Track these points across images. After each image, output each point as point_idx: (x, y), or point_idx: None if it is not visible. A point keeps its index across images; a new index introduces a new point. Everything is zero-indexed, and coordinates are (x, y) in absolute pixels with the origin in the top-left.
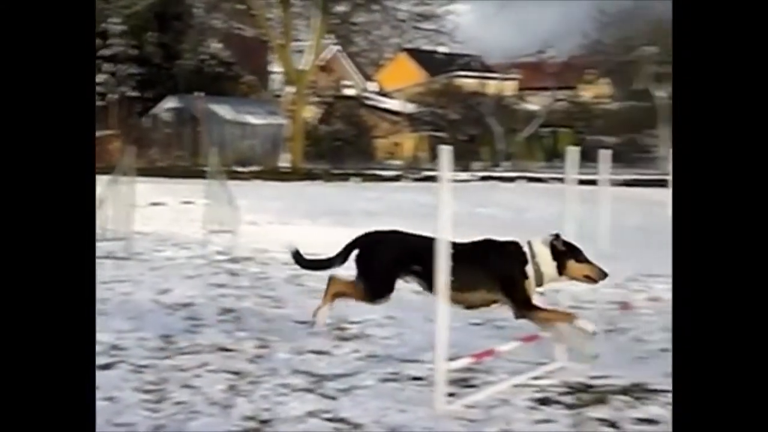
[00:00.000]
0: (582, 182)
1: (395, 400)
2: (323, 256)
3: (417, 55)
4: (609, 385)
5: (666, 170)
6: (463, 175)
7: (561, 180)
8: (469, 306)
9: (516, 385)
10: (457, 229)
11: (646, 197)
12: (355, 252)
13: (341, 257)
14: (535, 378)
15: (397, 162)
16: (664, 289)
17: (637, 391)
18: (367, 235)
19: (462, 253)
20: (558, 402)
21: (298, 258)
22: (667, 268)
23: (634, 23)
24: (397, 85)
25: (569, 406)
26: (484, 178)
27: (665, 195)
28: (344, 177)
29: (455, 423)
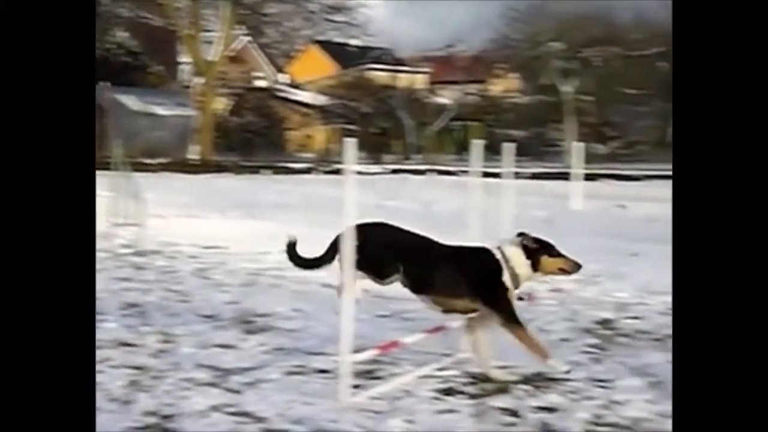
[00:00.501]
0: (489, 175)
1: (300, 392)
2: (312, 256)
3: (328, 47)
4: (512, 374)
5: (568, 163)
6: (374, 168)
7: (466, 172)
8: (448, 311)
9: (421, 377)
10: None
11: (551, 190)
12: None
13: (330, 255)
14: (440, 369)
15: (309, 154)
16: (566, 279)
17: (538, 380)
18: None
19: (442, 254)
20: (461, 392)
21: (292, 252)
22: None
23: (541, 19)
24: (308, 77)
25: (472, 396)
26: (395, 171)
27: (568, 187)
28: (254, 169)
29: (359, 415)
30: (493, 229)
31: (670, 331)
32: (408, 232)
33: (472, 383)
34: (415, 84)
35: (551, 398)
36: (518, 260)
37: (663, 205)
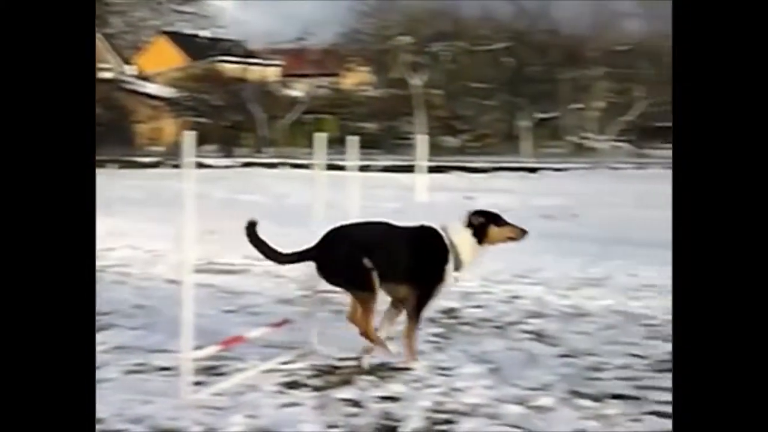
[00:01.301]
0: (340, 168)
1: (140, 391)
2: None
3: (177, 38)
4: (356, 366)
5: (413, 156)
6: (226, 162)
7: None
8: (395, 299)
9: (265, 371)
10: (218, 215)
11: (402, 182)
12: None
13: (288, 259)
14: (285, 362)
15: (158, 148)
16: None
17: (382, 371)
18: (323, 244)
19: (405, 238)
20: (305, 385)
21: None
22: None
23: (390, 14)
24: (157, 68)
25: (316, 389)
26: (246, 165)
27: (415, 179)
28: (100, 164)
29: (200, 412)
30: (340, 221)
31: (510, 318)
32: (366, 225)
33: (317, 375)
34: (267, 77)
35: (394, 388)
36: (464, 244)
37: (508, 195)
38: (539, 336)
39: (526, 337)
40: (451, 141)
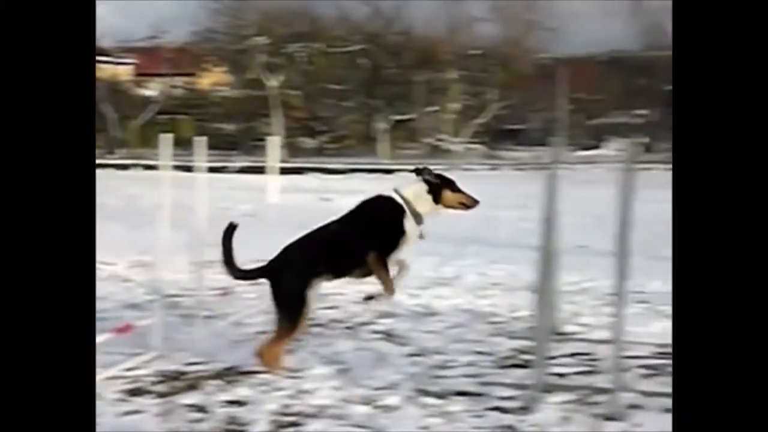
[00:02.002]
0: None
1: None
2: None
3: None
4: (203, 370)
5: (276, 157)
6: None
7: (178, 168)
8: (366, 275)
9: (108, 378)
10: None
11: (257, 184)
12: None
13: (251, 276)
14: (129, 369)
15: None
16: None
17: (230, 375)
18: (269, 269)
19: (342, 229)
20: (150, 391)
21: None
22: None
23: (245, 13)
24: None
25: (161, 395)
26: (98, 166)
27: (266, 181)
28: None
29: None
30: (188, 223)
31: (361, 319)
32: (308, 237)
33: (162, 381)
34: (119, 76)
35: (240, 392)
36: (420, 197)
37: (365, 197)
38: (389, 336)
39: (376, 338)
40: (309, 142)
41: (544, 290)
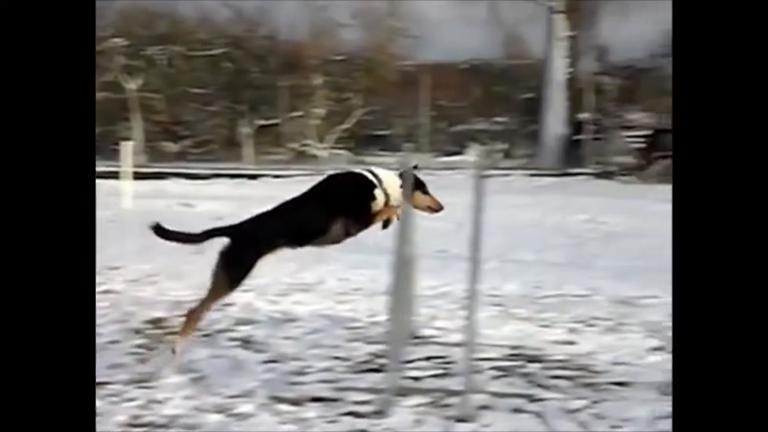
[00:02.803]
0: None
1: None
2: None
3: None
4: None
5: (136, 162)
6: None
7: None
8: (332, 243)
9: None
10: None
11: (117, 189)
12: (224, 243)
13: (199, 239)
14: None
15: None
16: (122, 281)
17: None
18: (236, 228)
19: (308, 201)
20: None
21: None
22: (125, 259)
23: (102, 13)
24: None
25: None
26: None
27: (120, 186)
28: None
29: None
30: None
31: (219, 326)
32: (271, 213)
33: None
34: None
35: None
36: (391, 182)
37: (228, 202)
38: (246, 343)
39: (233, 345)
40: (171, 147)
41: (400, 295)
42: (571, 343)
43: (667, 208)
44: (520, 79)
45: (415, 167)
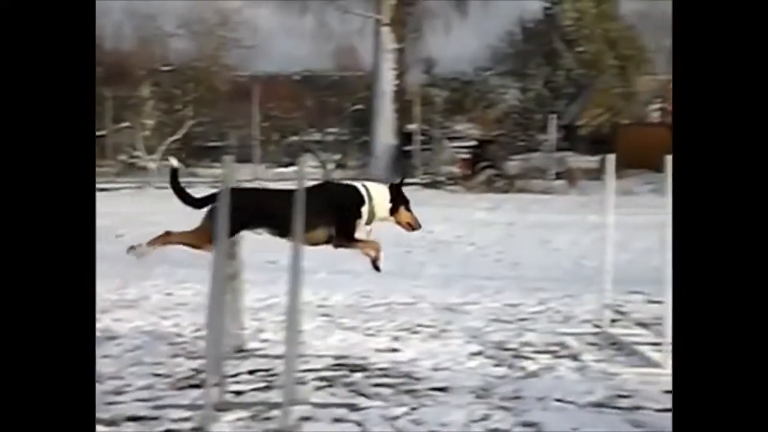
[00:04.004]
0: None
1: None
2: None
3: None
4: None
5: None
6: None
7: None
8: (312, 244)
9: None
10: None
11: None
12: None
13: (200, 204)
14: None
15: None
16: None
17: None
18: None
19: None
20: None
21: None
22: None
23: None
24: None
25: None
26: None
27: None
28: None
29: None
30: None
31: None
32: (265, 191)
33: None
34: None
35: None
36: (380, 199)
37: None
38: None
39: None
40: None
41: (220, 308)
42: (395, 350)
43: (491, 216)
44: (351, 90)
45: (401, 183)
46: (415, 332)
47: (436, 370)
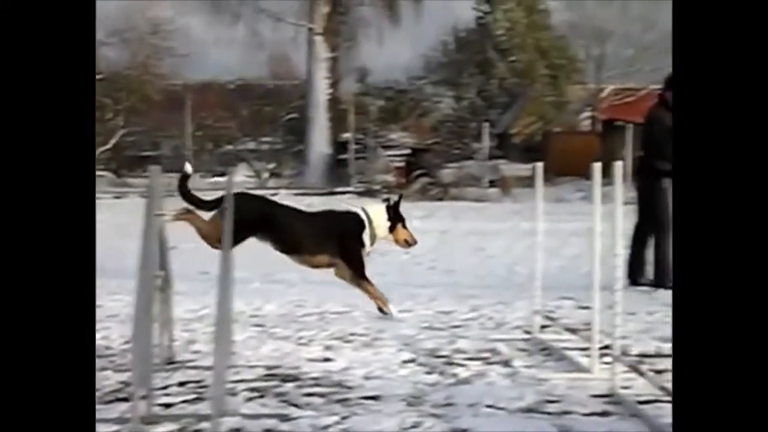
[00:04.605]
0: None
1: None
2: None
3: None
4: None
5: None
6: None
7: None
8: (314, 266)
9: None
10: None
11: None
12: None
13: (210, 206)
14: None
15: None
16: None
17: None
18: (240, 195)
19: (308, 220)
20: None
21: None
22: None
23: None
24: None
25: None
26: None
27: None
28: None
29: None
30: None
31: None
32: (275, 203)
33: None
34: None
35: None
36: (379, 221)
37: None
38: None
39: None
40: None
41: (147, 319)
42: (327, 360)
43: (425, 224)
44: (286, 99)
45: (399, 202)
46: (348, 341)
47: (368, 378)
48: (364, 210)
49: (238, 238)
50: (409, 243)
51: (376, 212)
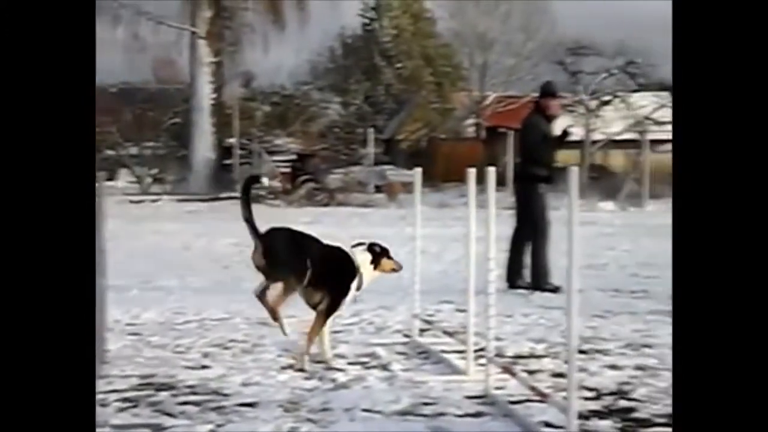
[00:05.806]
0: None
1: None
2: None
3: None
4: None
5: None
6: None
7: None
8: (308, 303)
9: None
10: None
11: None
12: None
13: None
14: None
15: None
16: None
17: None
18: (278, 230)
19: (324, 254)
20: None
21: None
22: None
23: None
24: None
25: None
26: None
27: None
28: None
29: None
30: None
31: None
32: (304, 234)
33: None
34: None
35: None
36: (365, 266)
37: None
38: None
39: None
40: None
41: None
42: (204, 367)
43: (311, 230)
44: (170, 103)
45: (377, 245)
46: (227, 348)
47: (245, 385)
48: (353, 254)
49: (277, 273)
50: (396, 269)
51: (362, 259)
